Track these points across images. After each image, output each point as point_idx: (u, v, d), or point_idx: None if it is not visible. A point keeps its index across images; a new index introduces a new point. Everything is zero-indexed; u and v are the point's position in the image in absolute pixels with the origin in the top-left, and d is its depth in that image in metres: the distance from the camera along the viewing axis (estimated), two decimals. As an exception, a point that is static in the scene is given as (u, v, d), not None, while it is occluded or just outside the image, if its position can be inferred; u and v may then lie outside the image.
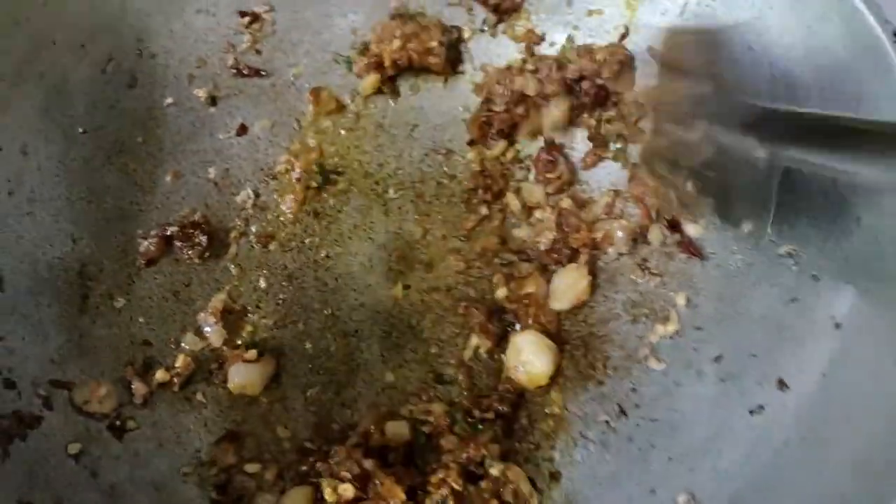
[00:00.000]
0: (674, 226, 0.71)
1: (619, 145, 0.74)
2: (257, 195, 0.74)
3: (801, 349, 0.62)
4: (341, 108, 0.77)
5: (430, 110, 0.77)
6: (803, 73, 0.65)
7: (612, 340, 0.71)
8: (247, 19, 0.75)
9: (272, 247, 0.74)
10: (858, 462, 0.55)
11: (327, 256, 0.74)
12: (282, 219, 0.74)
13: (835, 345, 0.61)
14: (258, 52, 0.76)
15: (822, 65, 0.64)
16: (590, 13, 0.75)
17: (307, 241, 0.74)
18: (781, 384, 0.63)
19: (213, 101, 0.75)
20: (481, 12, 0.77)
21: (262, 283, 0.72)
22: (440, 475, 0.62)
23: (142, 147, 0.72)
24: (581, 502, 0.65)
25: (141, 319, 0.69)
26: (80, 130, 0.69)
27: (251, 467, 0.66)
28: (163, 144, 0.73)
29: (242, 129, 0.75)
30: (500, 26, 0.78)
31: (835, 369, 0.60)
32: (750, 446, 0.62)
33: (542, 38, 0.76)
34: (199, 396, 0.68)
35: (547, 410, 0.69)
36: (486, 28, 0.78)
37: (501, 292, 0.72)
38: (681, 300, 0.70)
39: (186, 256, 0.71)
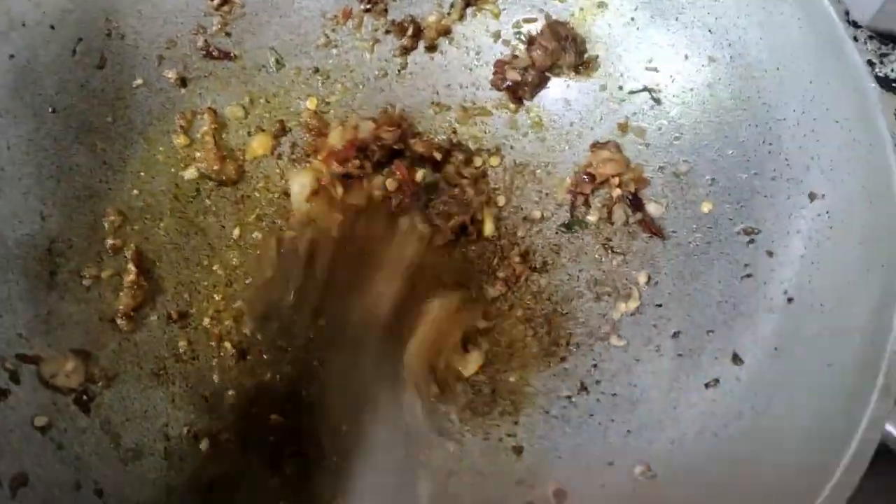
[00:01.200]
0: (636, 205, 0.72)
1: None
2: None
3: (755, 324, 0.64)
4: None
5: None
6: (760, 52, 0.66)
7: (576, 318, 0.72)
8: (216, 1, 0.76)
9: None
10: (807, 434, 0.56)
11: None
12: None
13: (787, 320, 0.62)
14: (228, 34, 0.77)
15: (778, 44, 0.65)
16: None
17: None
18: (736, 359, 0.64)
19: (183, 82, 0.76)
20: (449, -4, 0.79)
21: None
22: None
23: (111, 127, 0.72)
24: (542, 475, 0.66)
25: (109, 296, 0.69)
26: (50, 110, 0.70)
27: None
28: (132, 124, 0.73)
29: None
30: (469, 10, 0.79)
31: (787, 344, 0.61)
32: (705, 419, 0.63)
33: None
34: (169, 372, 0.69)
35: (510, 387, 0.70)
36: (452, 12, 0.78)
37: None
38: (642, 278, 0.71)
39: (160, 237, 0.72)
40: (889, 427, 0.73)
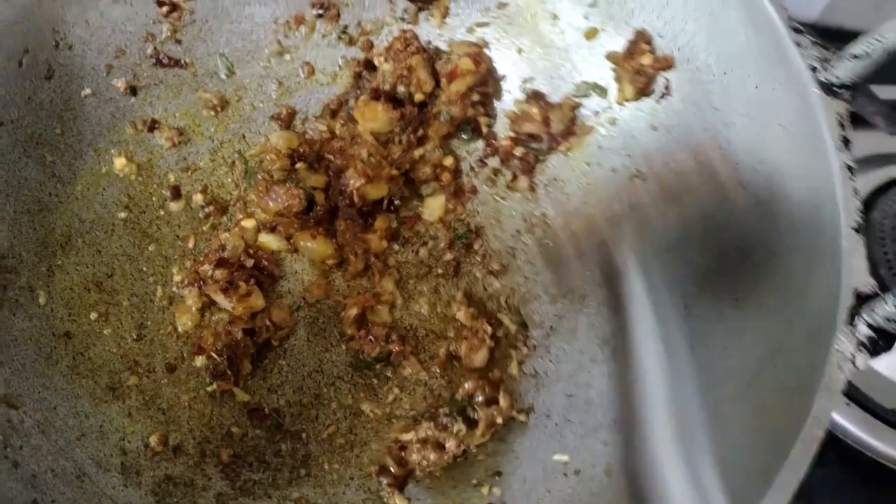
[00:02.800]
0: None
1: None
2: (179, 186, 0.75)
3: (707, 327, 0.65)
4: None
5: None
6: (708, 57, 0.67)
7: (533, 320, 0.73)
8: (165, 8, 0.75)
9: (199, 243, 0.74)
10: (754, 427, 0.57)
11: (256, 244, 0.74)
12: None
13: (736, 320, 0.63)
14: (178, 41, 0.76)
15: (725, 50, 0.66)
16: (501, 5, 0.77)
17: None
18: (690, 358, 0.65)
19: (132, 91, 0.75)
20: (402, 1, 0.78)
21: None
22: None
23: (60, 138, 0.71)
24: (499, 474, 0.66)
25: (62, 311, 0.68)
26: (-4, 123, 0.69)
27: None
28: (81, 135, 0.72)
29: (153, 125, 0.75)
30: (422, 14, 0.79)
31: (737, 342, 0.62)
32: (659, 419, 0.65)
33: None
34: (125, 385, 0.69)
35: (468, 389, 0.70)
36: (406, 17, 0.78)
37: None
38: (597, 282, 0.72)
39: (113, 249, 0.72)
40: (837, 418, 0.76)
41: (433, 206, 0.77)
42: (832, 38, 0.64)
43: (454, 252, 0.76)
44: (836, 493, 0.79)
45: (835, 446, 0.77)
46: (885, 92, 0.92)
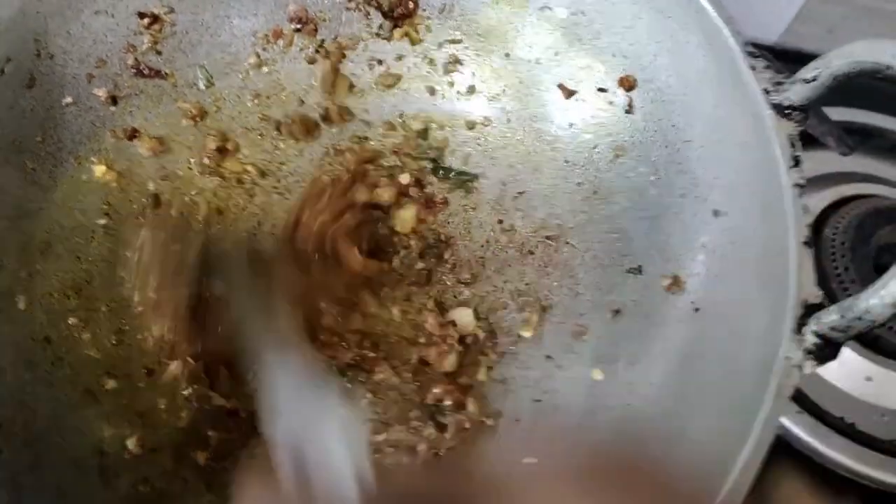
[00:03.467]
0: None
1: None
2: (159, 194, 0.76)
3: (666, 333, 0.68)
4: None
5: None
6: (669, 77, 0.71)
7: (501, 328, 0.75)
8: (146, 20, 0.76)
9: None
10: (709, 432, 0.61)
11: (231, 249, 0.76)
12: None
13: (694, 328, 0.67)
14: (159, 52, 0.78)
15: (685, 71, 0.70)
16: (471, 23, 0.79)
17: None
18: (648, 365, 0.68)
19: (113, 100, 0.76)
20: (378, 17, 0.81)
21: (164, 279, 0.74)
22: None
23: (41, 146, 0.73)
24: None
25: (41, 316, 0.70)
26: (-24, 130, 0.70)
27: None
28: (62, 143, 0.74)
29: (134, 133, 0.76)
30: (397, 31, 0.82)
31: (693, 350, 0.66)
32: (621, 423, 0.67)
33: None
34: (104, 389, 0.70)
35: (437, 396, 0.73)
36: (382, 32, 0.81)
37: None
38: (563, 289, 0.75)
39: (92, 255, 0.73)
40: (787, 423, 0.79)
41: (405, 218, 0.79)
42: (791, 60, 0.68)
43: (425, 261, 0.78)
44: (789, 498, 0.82)
45: (786, 452, 0.81)
46: (837, 114, 0.97)
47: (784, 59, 0.68)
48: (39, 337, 0.69)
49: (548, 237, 0.77)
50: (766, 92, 0.63)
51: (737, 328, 0.63)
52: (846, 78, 0.59)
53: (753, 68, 0.64)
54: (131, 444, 0.68)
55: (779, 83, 0.63)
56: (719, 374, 0.62)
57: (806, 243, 0.58)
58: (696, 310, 0.67)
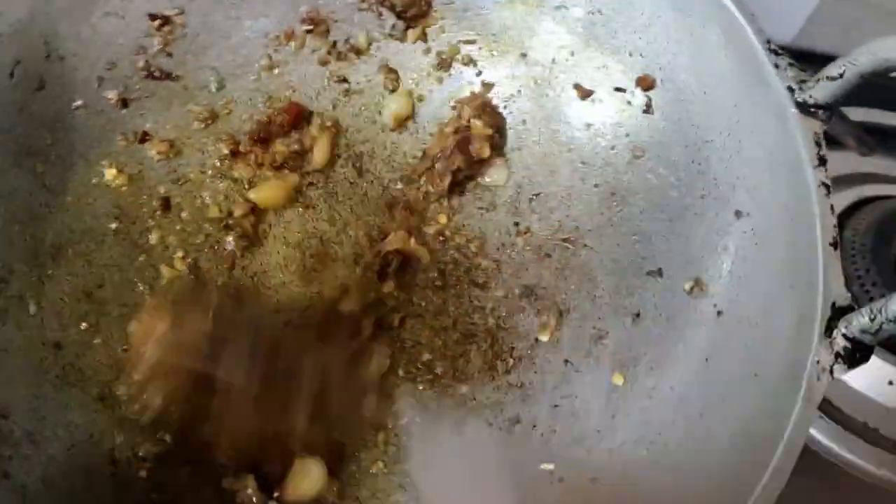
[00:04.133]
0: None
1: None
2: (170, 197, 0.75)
3: (687, 336, 0.67)
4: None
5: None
6: (688, 77, 0.70)
7: (518, 332, 0.74)
8: (157, 22, 0.75)
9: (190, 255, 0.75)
10: (736, 437, 0.59)
11: (242, 256, 0.75)
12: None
13: (717, 332, 0.65)
14: (169, 54, 0.77)
15: (705, 70, 0.68)
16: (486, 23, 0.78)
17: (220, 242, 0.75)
18: (670, 369, 0.67)
19: (124, 103, 0.75)
20: (391, 18, 0.80)
21: (177, 284, 0.73)
22: None
23: (51, 149, 0.72)
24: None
25: (52, 321, 0.69)
26: (-14, 134, 0.69)
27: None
28: (73, 147, 0.73)
29: (144, 137, 0.75)
30: (410, 32, 0.81)
31: (716, 354, 0.65)
32: (642, 428, 0.66)
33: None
34: (115, 395, 0.69)
35: (456, 401, 0.72)
36: (395, 33, 0.80)
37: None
38: (582, 293, 0.74)
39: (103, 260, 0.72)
40: (812, 431, 0.78)
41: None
42: (805, 60, 0.67)
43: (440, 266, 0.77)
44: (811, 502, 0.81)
45: (809, 457, 0.79)
46: (856, 114, 0.96)
47: (798, 60, 0.67)
48: (50, 342, 0.68)
49: (565, 240, 0.76)
50: (791, 90, 0.61)
51: (762, 331, 0.62)
52: (872, 76, 0.58)
53: (777, 66, 0.63)
54: (143, 450, 0.67)
55: (803, 81, 0.62)
56: (744, 379, 0.61)
57: (833, 244, 0.57)
58: (719, 313, 0.66)
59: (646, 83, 0.73)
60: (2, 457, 0.62)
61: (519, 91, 0.79)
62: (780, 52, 0.63)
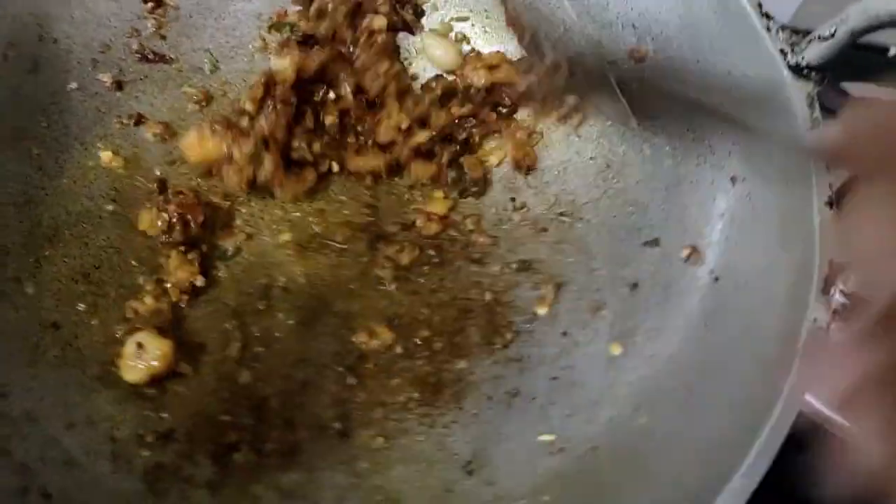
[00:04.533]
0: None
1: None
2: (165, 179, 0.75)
3: (685, 303, 0.67)
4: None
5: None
6: (680, 45, 0.70)
7: (515, 307, 0.74)
8: (150, 4, 0.76)
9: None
10: (735, 403, 0.59)
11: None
12: (192, 201, 0.75)
13: (714, 298, 0.65)
14: (163, 37, 0.77)
15: (697, 37, 0.68)
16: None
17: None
18: (668, 337, 0.67)
19: (118, 85, 0.75)
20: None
21: (173, 265, 0.73)
22: None
23: (46, 132, 0.72)
24: (485, 457, 0.67)
25: (49, 302, 0.69)
26: (-20, 117, 0.69)
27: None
28: (68, 129, 0.73)
29: (140, 119, 0.75)
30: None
31: (714, 320, 0.64)
32: (640, 397, 0.66)
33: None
34: (114, 375, 0.69)
35: (454, 376, 0.72)
36: (385, 10, 0.80)
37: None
38: (578, 265, 0.74)
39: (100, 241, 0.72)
40: (809, 398, 0.77)
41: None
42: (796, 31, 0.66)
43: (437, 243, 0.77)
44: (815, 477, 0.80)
45: (814, 434, 0.79)
46: (855, 90, 0.95)
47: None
48: (48, 323, 0.68)
49: (561, 213, 0.76)
50: (783, 53, 0.61)
51: (759, 295, 0.62)
52: (863, 33, 0.58)
53: (769, 30, 0.62)
54: (142, 428, 0.66)
55: (794, 44, 0.62)
56: (742, 343, 0.61)
57: (829, 204, 0.57)
58: (716, 279, 0.66)
59: (638, 55, 0.73)
60: (1, 435, 0.62)
61: (512, 63, 0.79)
62: (771, 16, 0.63)
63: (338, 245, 0.75)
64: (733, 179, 0.65)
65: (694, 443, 0.60)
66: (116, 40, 0.75)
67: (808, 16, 1.13)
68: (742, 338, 0.61)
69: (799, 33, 0.61)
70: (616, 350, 0.69)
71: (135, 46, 0.76)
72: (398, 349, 0.73)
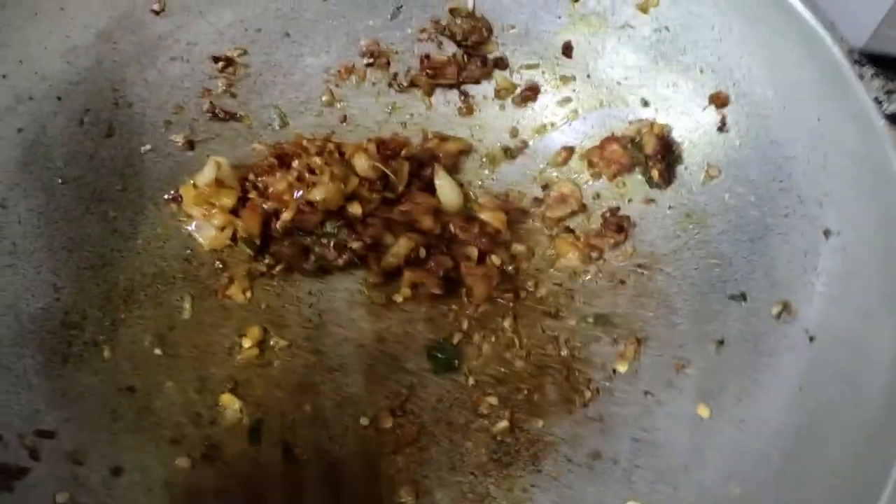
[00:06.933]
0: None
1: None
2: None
3: (777, 364, 0.63)
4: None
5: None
6: (765, 90, 0.67)
7: (593, 363, 0.71)
8: (220, 64, 0.76)
9: (255, 289, 0.74)
10: (836, 470, 0.56)
11: (310, 293, 0.74)
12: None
13: (810, 358, 0.62)
14: (233, 95, 0.77)
15: (784, 82, 0.65)
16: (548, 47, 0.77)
17: (288, 279, 0.74)
18: (760, 399, 0.63)
19: (190, 145, 0.76)
20: (450, 46, 0.79)
21: (246, 324, 0.73)
22: None
23: (121, 194, 0.73)
24: (568, 525, 0.65)
25: (125, 365, 0.69)
26: (59, 182, 0.70)
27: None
28: (143, 191, 0.74)
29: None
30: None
31: (810, 382, 0.61)
32: (732, 463, 0.63)
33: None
34: (188, 438, 0.68)
35: (532, 436, 0.69)
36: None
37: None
38: (660, 320, 0.71)
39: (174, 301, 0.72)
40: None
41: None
42: (879, 66, 0.63)
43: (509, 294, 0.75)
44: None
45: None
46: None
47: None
48: (123, 386, 0.68)
49: (639, 265, 0.73)
50: (878, 102, 0.58)
51: (859, 356, 0.58)
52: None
53: (861, 77, 0.59)
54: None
55: (890, 91, 0.58)
56: (842, 408, 0.57)
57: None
58: (812, 338, 0.62)
59: (719, 100, 0.70)
60: (78, 503, 0.62)
61: (578, 111, 0.77)
62: (864, 61, 0.60)
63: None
64: (826, 233, 0.62)
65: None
66: (189, 101, 0.76)
67: (884, 41, 1.09)
68: (842, 402, 0.57)
69: (894, 80, 0.58)
70: (703, 412, 0.66)
71: (206, 106, 0.76)
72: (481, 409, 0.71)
